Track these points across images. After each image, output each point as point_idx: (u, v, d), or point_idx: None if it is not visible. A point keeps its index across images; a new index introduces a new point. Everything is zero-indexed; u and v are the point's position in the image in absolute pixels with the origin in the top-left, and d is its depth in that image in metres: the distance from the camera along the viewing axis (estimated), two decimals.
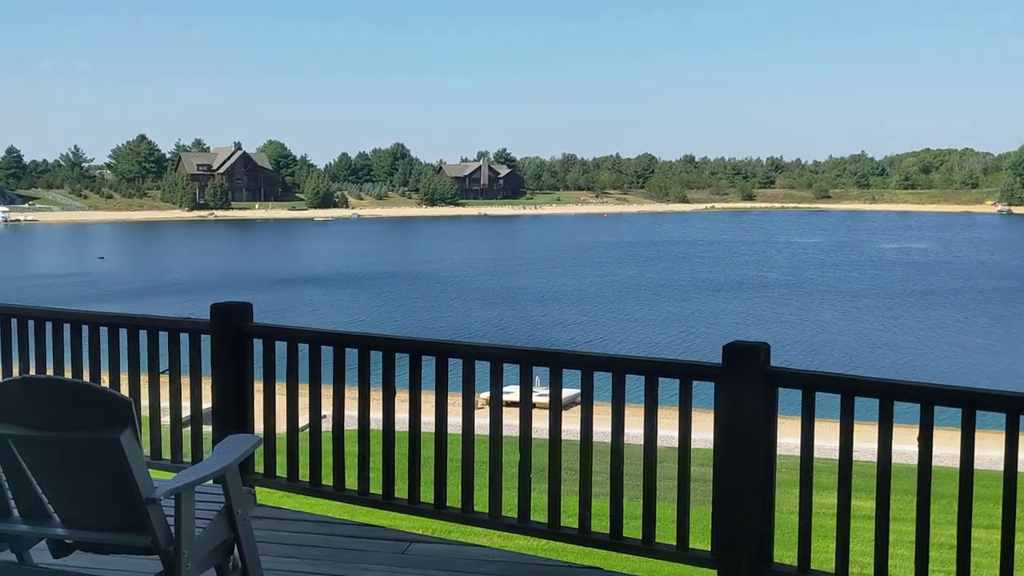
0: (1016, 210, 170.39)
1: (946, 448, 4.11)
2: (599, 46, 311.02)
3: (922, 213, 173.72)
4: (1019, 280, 71.46)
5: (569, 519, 4.58)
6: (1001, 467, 3.62)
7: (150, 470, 3.28)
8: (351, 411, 4.88)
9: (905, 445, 4.13)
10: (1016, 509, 3.63)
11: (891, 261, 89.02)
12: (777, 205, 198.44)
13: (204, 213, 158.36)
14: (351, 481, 5.01)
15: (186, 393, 5.38)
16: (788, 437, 4.12)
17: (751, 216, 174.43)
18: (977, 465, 3.69)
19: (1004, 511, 3.60)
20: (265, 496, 5.43)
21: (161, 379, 5.38)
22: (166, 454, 5.47)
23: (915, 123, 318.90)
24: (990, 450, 3.83)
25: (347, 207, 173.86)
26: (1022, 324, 50.96)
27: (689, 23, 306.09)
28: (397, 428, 4.82)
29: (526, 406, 4.53)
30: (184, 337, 5.32)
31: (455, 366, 4.67)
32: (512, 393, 4.78)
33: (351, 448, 4.93)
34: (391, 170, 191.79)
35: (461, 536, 6.64)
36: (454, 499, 4.75)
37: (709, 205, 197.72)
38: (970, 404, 3.67)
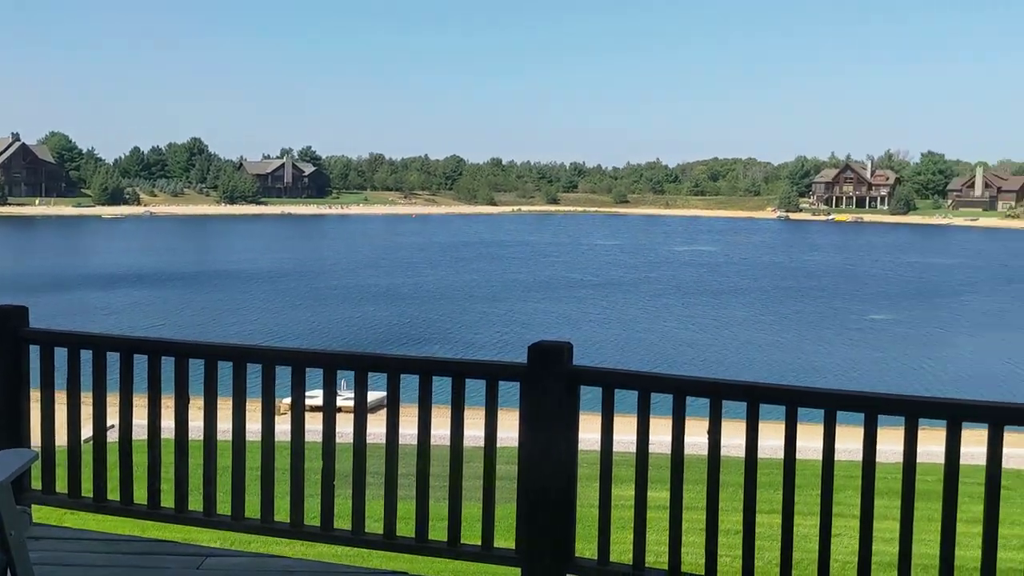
0: (793, 216, 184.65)
1: (733, 439, 4.36)
2: (409, 48, 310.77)
3: (711, 218, 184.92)
4: (796, 280, 77.52)
5: (374, 524, 4.51)
6: (782, 455, 3.88)
7: None
8: (140, 420, 4.58)
9: (697, 437, 4.34)
10: (794, 494, 3.90)
11: (685, 262, 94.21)
12: (580, 209, 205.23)
13: None
14: (140, 495, 4.71)
15: None
16: (591, 433, 4.23)
17: (556, 219, 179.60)
18: (760, 454, 3.93)
19: (784, 493, 3.86)
20: (45, 515, 5.01)
21: None
22: None
23: (705, 134, 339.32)
24: (772, 439, 4.08)
25: (139, 204, 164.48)
26: (802, 321, 55.29)
27: (498, 31, 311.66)
28: (191, 437, 4.57)
29: (330, 411, 4.42)
30: None
31: (255, 371, 4.49)
32: (316, 398, 4.65)
33: (140, 460, 4.63)
34: (187, 166, 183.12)
35: (262, 547, 6.42)
36: (253, 509, 4.56)
37: (516, 208, 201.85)
38: (755, 398, 3.90)
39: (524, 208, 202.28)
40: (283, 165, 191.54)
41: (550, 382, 4.05)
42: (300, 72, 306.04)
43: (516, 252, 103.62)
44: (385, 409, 4.41)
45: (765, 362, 41.97)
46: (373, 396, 4.59)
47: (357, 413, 4.39)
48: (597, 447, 4.15)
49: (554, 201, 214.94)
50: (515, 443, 4.19)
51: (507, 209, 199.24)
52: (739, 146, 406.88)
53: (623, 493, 4.33)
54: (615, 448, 4.17)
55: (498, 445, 4.25)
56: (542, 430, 4.09)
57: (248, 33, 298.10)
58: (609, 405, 4.09)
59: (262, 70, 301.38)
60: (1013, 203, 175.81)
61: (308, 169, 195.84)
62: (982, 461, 3.55)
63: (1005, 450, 3.57)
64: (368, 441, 4.40)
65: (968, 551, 3.83)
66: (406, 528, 4.42)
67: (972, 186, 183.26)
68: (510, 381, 4.19)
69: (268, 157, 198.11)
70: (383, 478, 4.36)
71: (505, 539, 4.36)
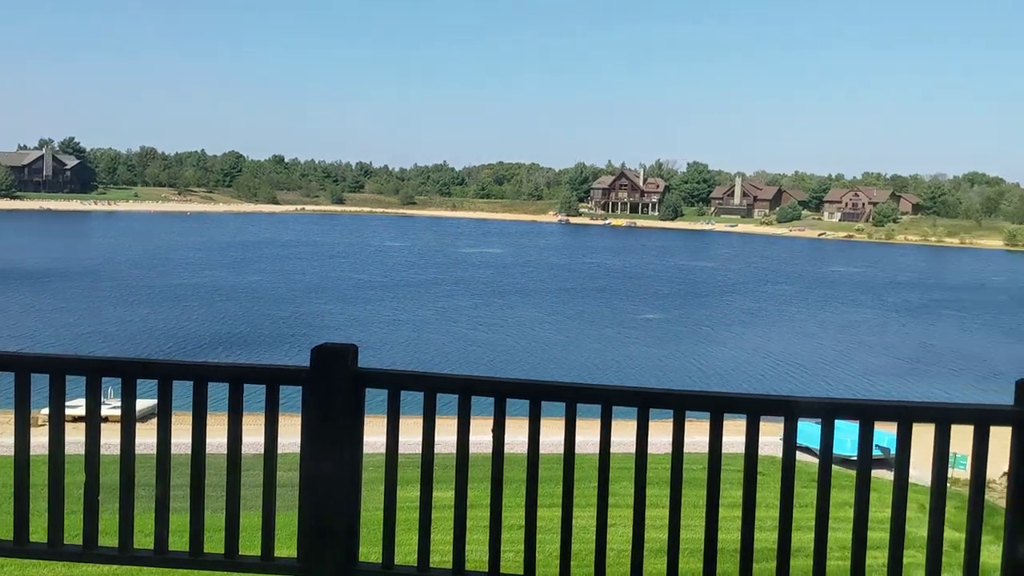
0: (573, 220, 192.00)
1: (518, 436, 4.45)
2: (179, 35, 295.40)
3: (496, 220, 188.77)
4: (579, 281, 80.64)
5: (145, 539, 4.23)
6: (563, 450, 4.01)
7: None
8: None
9: (484, 436, 4.40)
10: (575, 487, 4.04)
11: (474, 264, 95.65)
12: (367, 209, 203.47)
13: None
14: None
15: None
16: (377, 436, 4.19)
17: (342, 219, 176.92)
18: (543, 450, 4.04)
19: (564, 487, 3.98)
20: None
21: None
22: None
23: (491, 139, 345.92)
24: (554, 435, 4.20)
25: None
26: (584, 320, 57.54)
27: (284, 17, 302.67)
28: None
29: (94, 420, 4.11)
30: None
31: (7, 379, 4.09)
32: (78, 407, 4.31)
33: None
34: None
35: (17, 570, 5.87)
36: (6, 530, 4.16)
37: (300, 207, 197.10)
38: (538, 396, 4.00)
39: (308, 208, 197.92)
40: (42, 157, 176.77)
41: (334, 385, 3.96)
42: (60, 54, 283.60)
43: (301, 252, 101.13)
44: (155, 417, 4.15)
45: (549, 360, 43.39)
46: (143, 404, 4.31)
47: (124, 423, 4.11)
48: (383, 450, 4.11)
49: (340, 201, 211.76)
50: (297, 449, 4.07)
51: (290, 208, 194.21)
52: (523, 151, 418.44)
53: (409, 495, 4.32)
54: (402, 450, 4.15)
55: (280, 452, 4.12)
56: (326, 435, 4.00)
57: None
58: (395, 407, 4.06)
59: (13, 49, 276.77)
60: (767, 211, 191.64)
61: (71, 162, 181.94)
62: (741, 449, 3.83)
63: (761, 438, 3.87)
64: (138, 452, 4.13)
65: (728, 534, 4.11)
66: (179, 542, 4.19)
67: (732, 195, 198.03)
68: (292, 385, 4.07)
69: (24, 148, 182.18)
70: (154, 491, 4.10)
71: (287, 548, 4.23)
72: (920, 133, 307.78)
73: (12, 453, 4.06)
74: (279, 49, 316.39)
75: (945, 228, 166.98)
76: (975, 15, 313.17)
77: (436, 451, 4.10)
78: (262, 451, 4.06)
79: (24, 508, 4.10)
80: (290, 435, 4.17)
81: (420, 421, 4.03)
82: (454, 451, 4.03)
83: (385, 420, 4.06)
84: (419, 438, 4.06)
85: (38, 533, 4.19)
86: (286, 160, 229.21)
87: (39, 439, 4.07)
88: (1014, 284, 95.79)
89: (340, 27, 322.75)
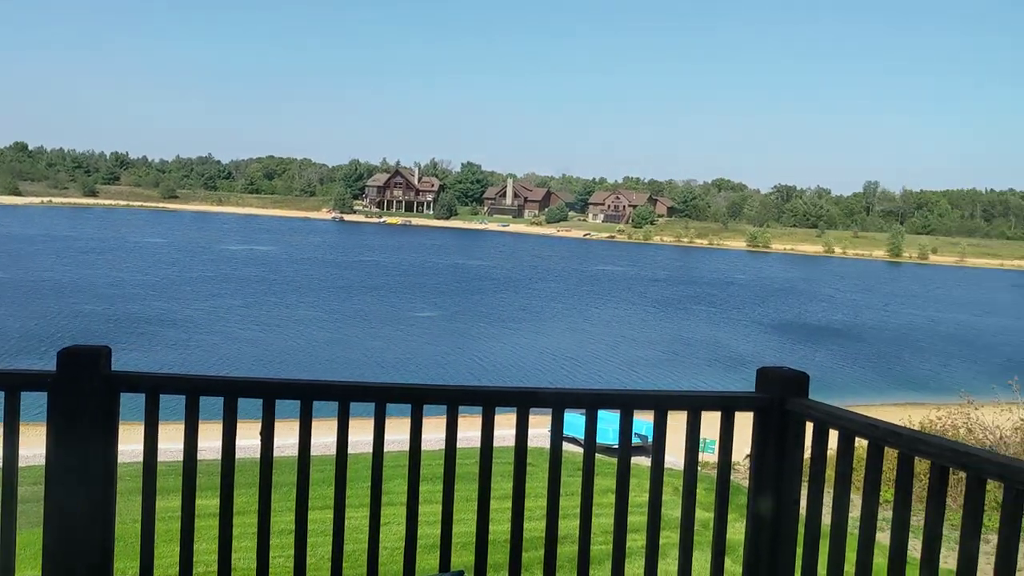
0: (347, 218, 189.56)
1: (288, 439, 4.31)
2: None
3: (267, 217, 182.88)
4: (354, 280, 79.66)
5: None
6: (335, 451, 3.93)
7: None
8: None
9: (250, 439, 4.23)
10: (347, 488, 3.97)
11: (244, 262, 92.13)
12: (123, 203, 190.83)
13: None
14: None
15: None
16: (134, 444, 3.92)
17: (96, 213, 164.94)
18: (314, 452, 3.95)
19: (336, 491, 3.91)
20: None
21: None
22: None
23: (260, 132, 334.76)
24: (326, 436, 4.12)
25: None
26: (361, 318, 56.87)
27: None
28: None
29: None
30: None
31: None
32: None
33: None
34: None
35: None
36: None
37: (46, 199, 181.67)
38: (309, 396, 3.89)
39: (56, 200, 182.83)
40: None
41: (84, 390, 3.67)
42: None
43: (47, 248, 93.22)
44: None
45: (323, 359, 42.60)
46: None
47: None
48: (135, 458, 3.86)
49: (92, 193, 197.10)
50: (40, 460, 3.74)
51: (35, 200, 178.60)
52: (295, 146, 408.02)
53: (170, 504, 4.08)
54: (162, 457, 3.92)
55: (21, 464, 3.76)
56: (75, 444, 3.70)
57: None
58: (153, 412, 3.82)
59: None
60: (537, 211, 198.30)
61: None
62: (510, 442, 3.92)
63: (530, 431, 3.98)
64: None
65: (500, 525, 4.21)
66: None
67: (504, 195, 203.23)
68: (36, 391, 3.73)
69: None
70: None
71: (31, 568, 3.87)
72: (674, 141, 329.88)
73: None
74: (19, 23, 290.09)
75: (696, 230, 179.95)
76: (705, 30, 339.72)
77: (200, 457, 3.90)
78: None
79: None
80: (34, 447, 3.83)
81: (182, 426, 3.81)
82: (219, 457, 3.84)
83: (143, 426, 3.81)
84: (180, 444, 3.84)
85: None
86: (30, 148, 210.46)
87: None
88: (755, 282, 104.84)
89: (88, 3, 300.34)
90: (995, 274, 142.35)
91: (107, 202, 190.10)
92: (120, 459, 3.85)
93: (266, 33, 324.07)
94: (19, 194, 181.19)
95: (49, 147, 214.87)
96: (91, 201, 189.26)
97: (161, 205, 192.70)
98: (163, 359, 39.66)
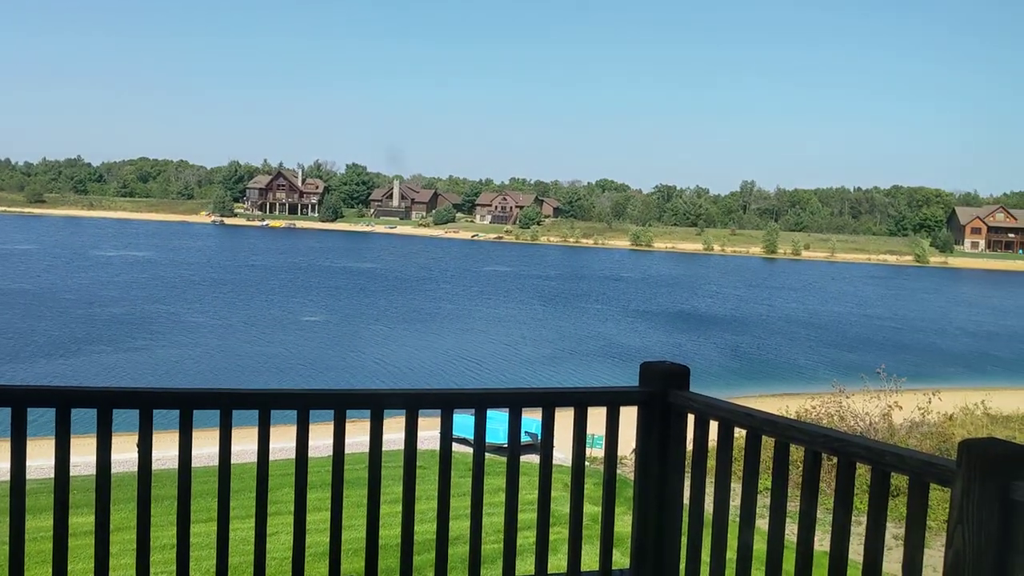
0: (228, 221, 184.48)
1: (168, 451, 4.15)
2: None
3: (142, 221, 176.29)
4: (237, 285, 77.54)
5: None
6: (217, 462, 3.81)
7: None
8: None
9: (126, 453, 4.07)
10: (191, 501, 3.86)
11: (121, 266, 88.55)
12: None
13: None
14: None
15: None
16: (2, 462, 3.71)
17: None
18: (195, 463, 3.82)
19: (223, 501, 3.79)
20: None
21: None
22: None
23: (132, 131, 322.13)
24: (208, 447, 4.00)
25: None
26: (249, 324, 55.33)
27: None
28: None
29: None
30: None
31: None
32: None
33: None
34: None
35: None
36: None
37: None
38: (188, 404, 3.76)
39: None
40: None
41: None
42: None
43: None
44: None
45: (199, 370, 41.27)
46: None
47: None
48: (7, 476, 3.65)
49: None
50: None
51: None
52: (170, 147, 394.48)
53: (40, 524, 3.88)
54: (30, 475, 3.71)
55: None
56: None
57: None
58: (21, 427, 3.61)
59: None
60: (424, 213, 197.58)
61: None
62: (398, 446, 3.88)
63: (420, 433, 3.96)
64: None
65: (391, 529, 4.17)
66: None
67: (391, 197, 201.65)
68: None
69: None
70: None
71: None
72: (559, 142, 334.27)
73: None
74: None
75: (582, 230, 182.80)
76: (589, 36, 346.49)
77: (72, 473, 3.72)
78: None
79: None
80: None
81: (52, 441, 3.62)
82: (93, 472, 3.67)
83: (8, 443, 3.61)
84: (51, 460, 3.65)
85: None
86: None
87: None
88: (641, 279, 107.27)
89: None
90: (863, 268, 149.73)
91: None
92: None
93: (134, 25, 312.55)
94: None
95: None
96: None
97: (26, 210, 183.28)
98: (40, 372, 37.74)
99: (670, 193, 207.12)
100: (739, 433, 3.68)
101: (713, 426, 3.78)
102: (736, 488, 3.61)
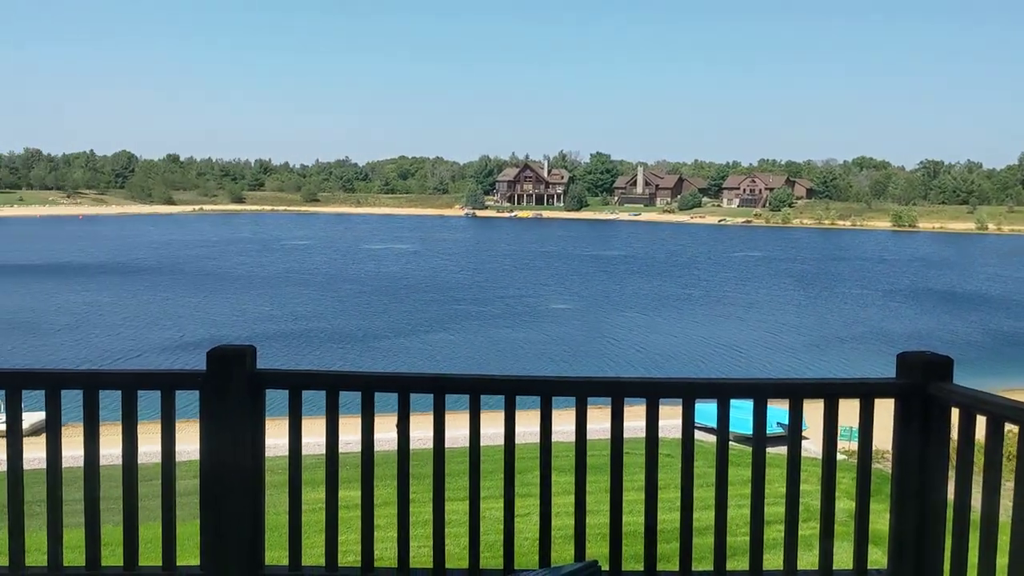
0: (480, 213, 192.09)
1: (426, 431, 4.43)
2: (60, 22, 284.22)
3: (403, 216, 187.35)
4: (491, 276, 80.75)
5: (39, 557, 4.08)
6: (467, 444, 4.02)
7: None
8: None
9: (387, 432, 4.37)
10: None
11: (385, 259, 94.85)
12: (268, 208, 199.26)
13: None
14: None
15: None
16: (278, 438, 4.12)
17: (245, 218, 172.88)
18: (448, 444, 4.04)
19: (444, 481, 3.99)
20: None
21: None
22: None
23: (393, 131, 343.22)
24: (460, 429, 4.21)
25: None
26: (510, 317, 57.59)
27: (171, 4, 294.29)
28: None
29: None
30: None
31: None
32: None
33: None
34: None
35: None
36: None
37: (198, 207, 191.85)
38: (442, 389, 3.99)
39: (207, 207, 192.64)
40: None
41: (232, 388, 3.88)
42: None
43: (249, 249, 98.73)
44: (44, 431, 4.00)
45: (449, 355, 43.28)
46: (33, 417, 4.14)
47: (11, 436, 3.95)
48: (286, 452, 4.05)
49: (239, 200, 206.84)
50: (197, 456, 3.98)
51: (187, 209, 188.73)
52: (427, 145, 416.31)
53: (314, 496, 4.27)
54: (305, 451, 4.10)
55: (178, 459, 4.01)
56: (226, 439, 3.92)
57: None
58: (297, 407, 4.00)
59: None
60: (669, 199, 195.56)
61: None
62: (641, 433, 3.90)
63: (660, 421, 3.95)
64: (28, 468, 3.97)
65: (633, 516, 4.19)
66: (75, 557, 4.04)
67: (635, 184, 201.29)
68: (188, 390, 3.97)
69: None
70: (45, 507, 3.95)
71: (192, 557, 4.13)
72: (811, 120, 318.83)
73: None
74: (170, 43, 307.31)
75: (837, 211, 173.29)
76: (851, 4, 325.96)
77: (340, 450, 4.06)
78: (159, 460, 3.95)
79: None
80: (189, 442, 4.07)
81: (323, 421, 3.98)
82: (358, 449, 3.99)
83: (287, 421, 4.00)
84: (322, 438, 4.01)
85: None
86: (182, 159, 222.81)
87: None
88: (906, 260, 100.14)
89: (228, 19, 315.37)
90: None
91: (253, 207, 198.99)
92: (266, 453, 4.06)
93: (392, 40, 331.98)
94: (173, 203, 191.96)
95: (199, 157, 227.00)
96: (238, 207, 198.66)
97: (303, 208, 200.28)
98: (301, 354, 41.29)
99: (937, 169, 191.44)
100: (1008, 429, 3.37)
101: (980, 421, 3.49)
102: (1008, 488, 3.31)
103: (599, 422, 4.05)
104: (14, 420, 4.00)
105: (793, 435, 3.89)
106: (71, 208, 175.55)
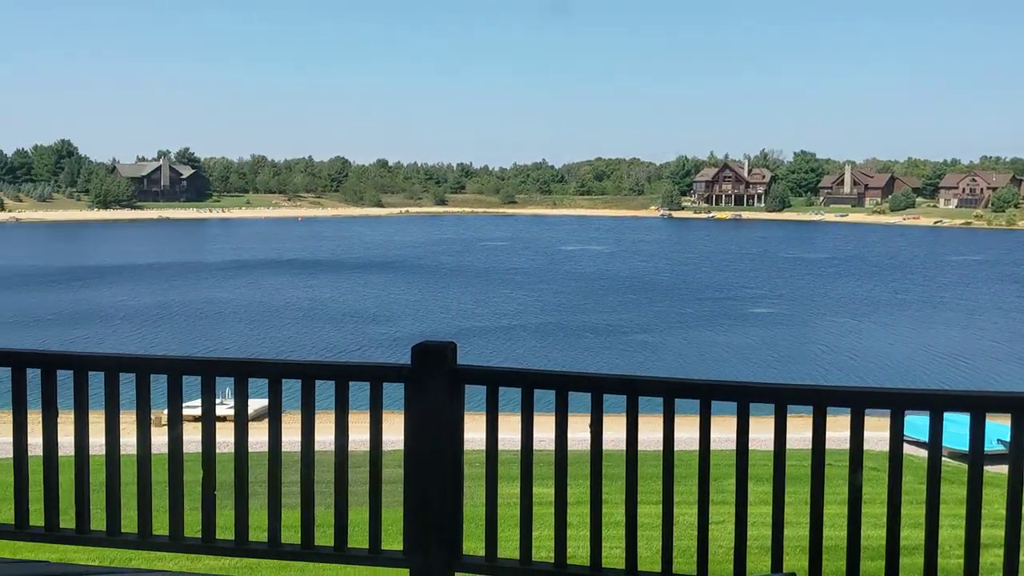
0: (676, 214, 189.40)
1: (617, 433, 4.44)
2: (288, 46, 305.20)
3: (598, 217, 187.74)
4: (677, 279, 79.54)
5: (259, 534, 4.42)
6: (661, 447, 3.99)
7: None
8: (4, 437, 4.36)
9: (580, 432, 4.41)
10: (674, 484, 4.01)
11: (582, 259, 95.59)
12: (468, 210, 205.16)
13: None
14: (6, 515, 4.48)
15: None
16: (476, 432, 4.26)
17: (450, 219, 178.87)
18: (640, 447, 4.03)
19: (664, 485, 3.97)
20: None
21: None
22: None
23: (589, 133, 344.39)
24: (651, 432, 4.19)
25: (2, 210, 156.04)
26: (707, 320, 56.68)
27: (376, 28, 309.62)
28: (61, 453, 4.38)
29: (209, 420, 4.31)
30: None
31: (128, 381, 4.33)
32: (195, 408, 4.52)
33: (5, 479, 4.41)
34: (56, 169, 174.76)
35: (144, 563, 6.19)
36: (131, 525, 4.40)
37: (404, 209, 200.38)
38: (635, 391, 3.99)
39: (412, 210, 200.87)
40: (159, 168, 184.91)
41: (434, 383, 4.05)
42: (170, 67, 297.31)
43: (504, 248, 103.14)
44: (267, 417, 4.33)
45: (642, 357, 42.88)
46: (256, 404, 4.49)
47: (238, 420, 4.30)
48: (483, 446, 4.18)
49: (442, 202, 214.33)
50: (401, 446, 4.18)
51: (395, 211, 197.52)
52: (623, 146, 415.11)
53: (509, 491, 4.37)
54: (500, 446, 4.21)
55: (384, 448, 4.23)
56: (428, 431, 4.10)
57: (112, 32, 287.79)
58: (494, 402, 4.12)
59: (132, 64, 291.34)
60: (879, 199, 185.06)
61: (186, 172, 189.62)
62: (844, 445, 3.73)
63: (866, 433, 3.77)
64: (252, 450, 4.31)
65: (835, 531, 4.02)
66: (291, 536, 4.35)
67: (842, 183, 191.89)
68: (394, 383, 4.18)
69: (143, 159, 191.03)
70: (266, 487, 4.28)
71: (394, 542, 4.34)
72: None
73: (135, 452, 4.29)
74: (378, 57, 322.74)
75: None
76: None
77: (534, 447, 4.14)
78: (367, 448, 4.18)
79: (147, 503, 4.34)
80: (393, 432, 4.28)
81: (518, 417, 4.08)
82: (552, 447, 4.06)
83: (484, 416, 4.13)
84: (518, 434, 4.11)
85: (159, 527, 4.42)
86: (390, 163, 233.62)
87: (159, 439, 4.30)
88: None
89: (439, 30, 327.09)
90: None
91: (455, 210, 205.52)
92: (465, 447, 4.20)
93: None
94: (382, 206, 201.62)
95: (405, 162, 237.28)
96: (441, 209, 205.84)
97: (501, 210, 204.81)
98: (500, 352, 42.20)
99: None
100: None
101: None
102: None
103: (799, 431, 3.92)
104: (240, 406, 4.34)
105: (1016, 453, 3.60)
106: (291, 211, 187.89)
